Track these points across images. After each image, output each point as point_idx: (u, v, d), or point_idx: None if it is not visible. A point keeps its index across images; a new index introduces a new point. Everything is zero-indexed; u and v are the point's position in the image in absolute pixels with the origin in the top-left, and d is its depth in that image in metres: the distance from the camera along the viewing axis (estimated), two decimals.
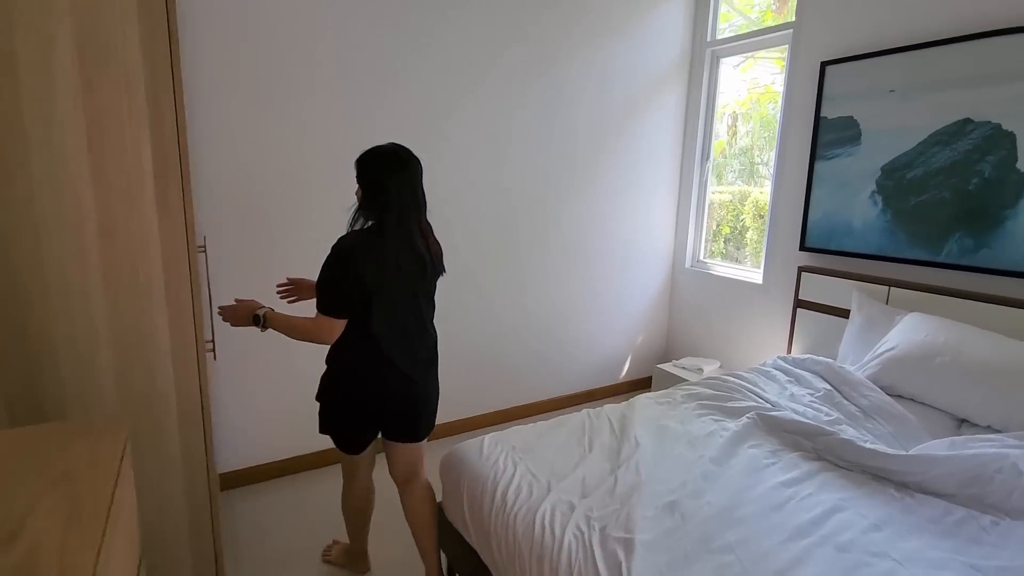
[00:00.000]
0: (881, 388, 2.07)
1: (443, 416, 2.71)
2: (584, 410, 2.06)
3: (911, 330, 2.13)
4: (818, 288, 2.71)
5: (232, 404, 2.36)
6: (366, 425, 1.68)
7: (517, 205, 2.94)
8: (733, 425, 1.92)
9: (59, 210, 1.30)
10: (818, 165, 2.74)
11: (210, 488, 1.60)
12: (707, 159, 3.42)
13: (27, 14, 1.21)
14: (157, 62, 1.34)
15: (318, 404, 1.70)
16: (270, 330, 1.57)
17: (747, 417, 1.94)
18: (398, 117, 2.49)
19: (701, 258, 3.56)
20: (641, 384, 3.61)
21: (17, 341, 1.31)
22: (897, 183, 2.44)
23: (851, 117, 2.60)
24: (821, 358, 2.31)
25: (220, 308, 1.61)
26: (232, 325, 1.60)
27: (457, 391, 2.86)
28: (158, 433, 1.50)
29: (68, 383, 1.37)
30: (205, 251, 1.68)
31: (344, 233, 1.57)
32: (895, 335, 2.17)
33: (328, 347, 1.63)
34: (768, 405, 2.05)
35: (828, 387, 2.17)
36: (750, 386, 2.26)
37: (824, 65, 2.67)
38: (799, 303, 2.81)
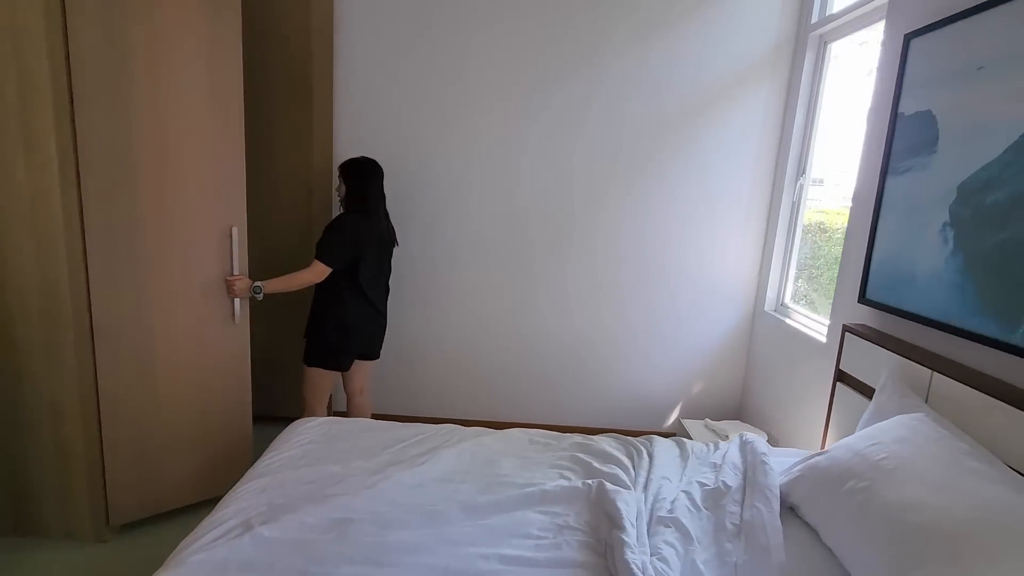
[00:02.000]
0: (790, 504, 1.39)
1: (463, 412, 2.95)
2: (449, 425, 1.98)
3: (879, 435, 1.34)
4: (864, 358, 1.86)
5: None
6: (353, 347, 2.32)
7: (561, 217, 2.81)
8: (563, 484, 1.59)
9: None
10: (890, 182, 1.88)
11: None
12: (802, 174, 2.62)
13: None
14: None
15: (305, 341, 2.29)
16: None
17: (589, 482, 1.58)
18: (433, 126, 2.75)
19: (786, 301, 2.74)
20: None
21: None
22: (975, 211, 1.52)
23: (928, 112, 1.71)
24: (763, 448, 1.64)
25: (227, 284, 2.10)
26: (238, 298, 2.11)
27: (484, 393, 2.96)
28: None
29: None
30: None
31: (339, 214, 2.28)
32: (856, 438, 1.40)
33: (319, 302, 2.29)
34: (627, 483, 1.60)
35: (737, 485, 1.55)
36: (646, 457, 1.79)
37: (908, 39, 1.82)
38: (840, 375, 1.98)
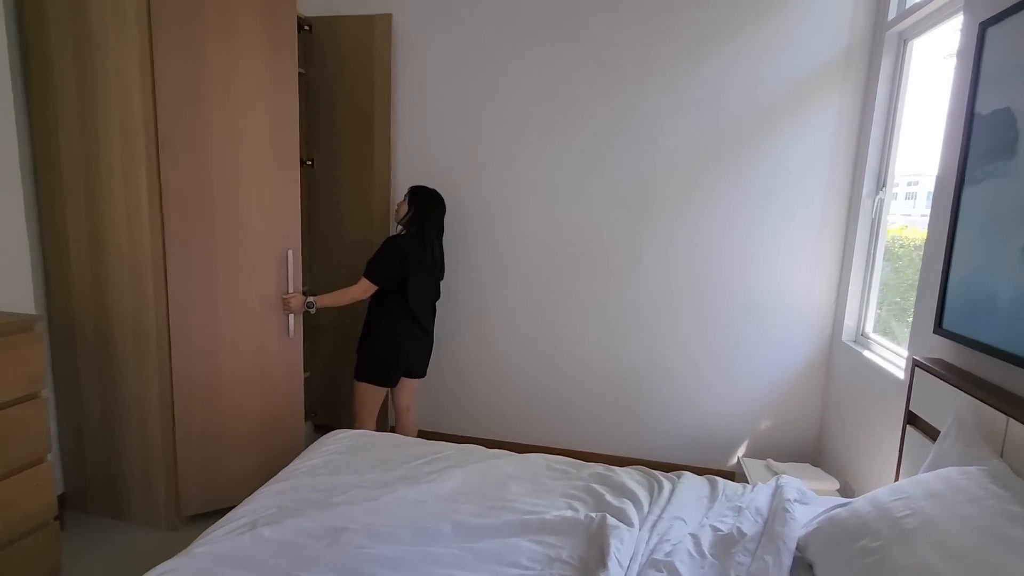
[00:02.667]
0: (807, 557, 1.20)
1: (511, 434, 2.97)
2: (471, 445, 1.99)
3: (911, 488, 1.13)
4: (935, 398, 1.59)
5: None
6: (400, 364, 2.44)
7: (616, 241, 2.73)
8: (566, 514, 1.53)
9: None
10: (967, 192, 1.61)
11: None
12: (882, 187, 2.32)
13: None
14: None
15: (356, 357, 2.44)
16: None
17: (592, 515, 1.51)
18: (486, 149, 2.85)
19: (866, 330, 2.41)
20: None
21: None
22: None
23: (1007, 110, 1.45)
24: (793, 494, 1.44)
25: (283, 302, 2.32)
26: (293, 313, 2.33)
27: (534, 417, 2.94)
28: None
29: None
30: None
31: (394, 234, 2.46)
32: (886, 490, 1.18)
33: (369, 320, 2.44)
34: (632, 520, 1.50)
35: (754, 533, 1.38)
36: (667, 494, 1.66)
37: (984, 27, 1.57)
38: (910, 417, 1.70)
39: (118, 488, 2.25)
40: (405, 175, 2.89)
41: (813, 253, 2.56)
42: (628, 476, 1.79)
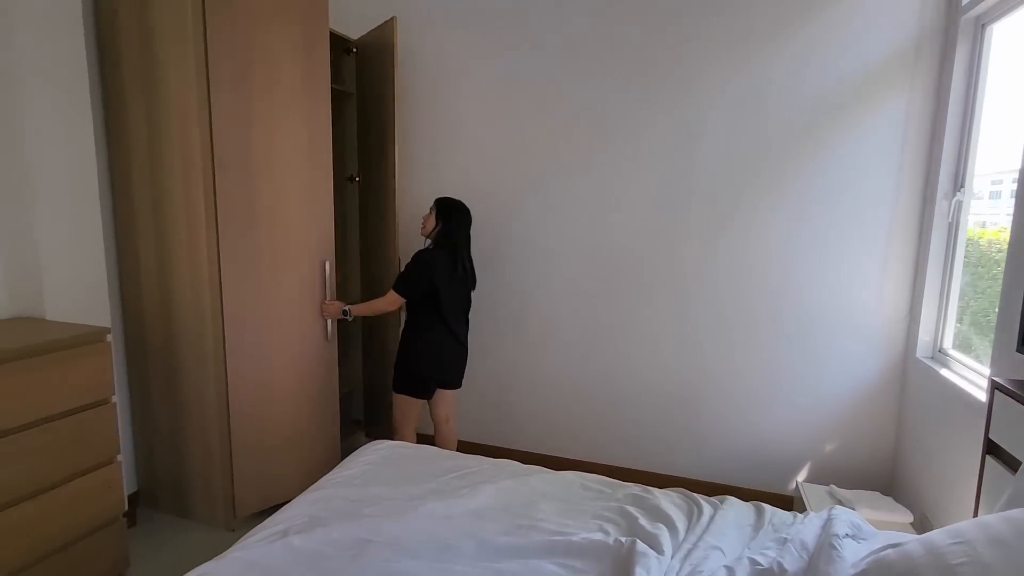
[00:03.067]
0: None
1: (555, 449, 2.94)
2: (506, 460, 1.96)
3: (972, 531, 0.98)
4: (1018, 425, 1.39)
5: None
6: (434, 376, 2.47)
7: (663, 251, 2.63)
8: (595, 537, 1.47)
9: None
10: None
11: None
12: (960, 187, 2.08)
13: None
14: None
15: (394, 369, 2.49)
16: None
17: (622, 539, 1.45)
18: (524, 157, 2.85)
19: (944, 346, 2.16)
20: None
21: None
22: None
23: None
24: (844, 528, 1.31)
25: (322, 307, 2.50)
26: (331, 318, 2.50)
27: (580, 432, 2.88)
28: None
29: None
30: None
31: (424, 248, 2.44)
32: (943, 532, 1.04)
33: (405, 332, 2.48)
34: (663, 548, 1.41)
35: (796, 570, 1.26)
36: (706, 520, 1.55)
37: None
38: (990, 446, 1.50)
39: (183, 488, 2.41)
40: (432, 186, 2.90)
41: (881, 260, 2.35)
42: (666, 499, 1.70)
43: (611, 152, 2.65)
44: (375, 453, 1.98)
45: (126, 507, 2.35)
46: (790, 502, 2.51)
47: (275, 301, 2.33)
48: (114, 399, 1.92)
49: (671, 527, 1.53)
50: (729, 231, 2.52)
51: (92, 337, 1.84)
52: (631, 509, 1.63)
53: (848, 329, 2.43)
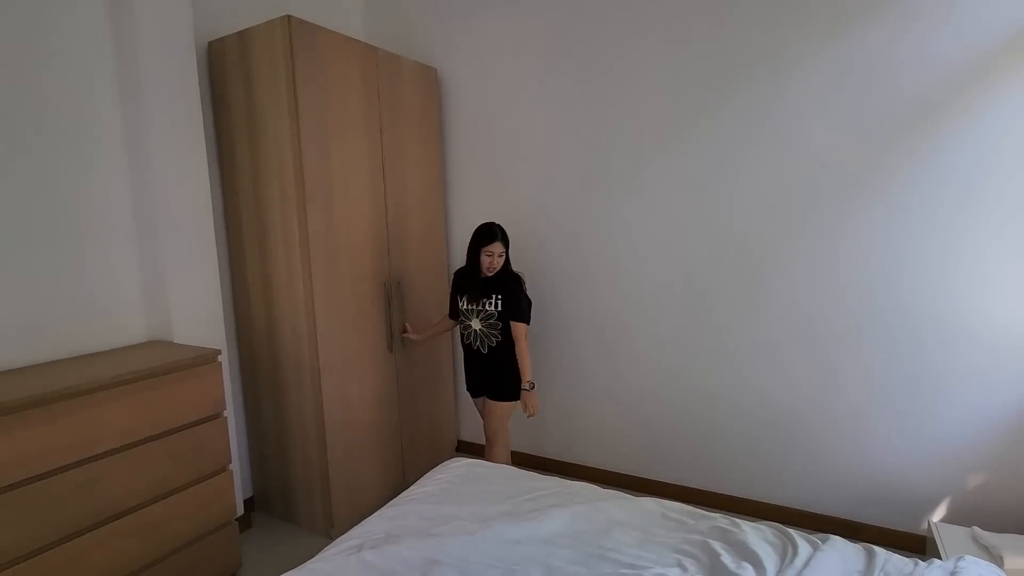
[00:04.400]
0: None
1: (638, 469, 2.86)
2: (583, 484, 1.89)
3: None
4: None
5: None
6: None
7: (761, 250, 2.42)
8: (670, 573, 1.37)
9: None
10: None
11: None
12: None
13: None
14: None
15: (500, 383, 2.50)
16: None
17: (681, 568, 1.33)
18: (598, 168, 2.78)
19: None
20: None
21: None
22: None
23: None
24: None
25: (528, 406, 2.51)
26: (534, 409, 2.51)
27: (665, 452, 2.74)
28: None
29: None
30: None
31: (516, 274, 2.50)
32: None
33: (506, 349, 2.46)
34: None
35: None
36: (802, 562, 1.37)
37: None
38: None
39: (290, 495, 2.61)
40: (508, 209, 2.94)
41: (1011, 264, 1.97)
42: (756, 534, 1.54)
43: (694, 157, 2.49)
44: (451, 471, 2.01)
45: (241, 511, 2.60)
46: (922, 544, 2.16)
47: (351, 320, 2.53)
48: (225, 413, 2.14)
49: (758, 567, 1.38)
50: (840, 233, 2.25)
51: (207, 358, 2.06)
52: (715, 544, 1.50)
53: (992, 342, 2.05)
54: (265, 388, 2.59)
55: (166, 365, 1.92)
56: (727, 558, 1.42)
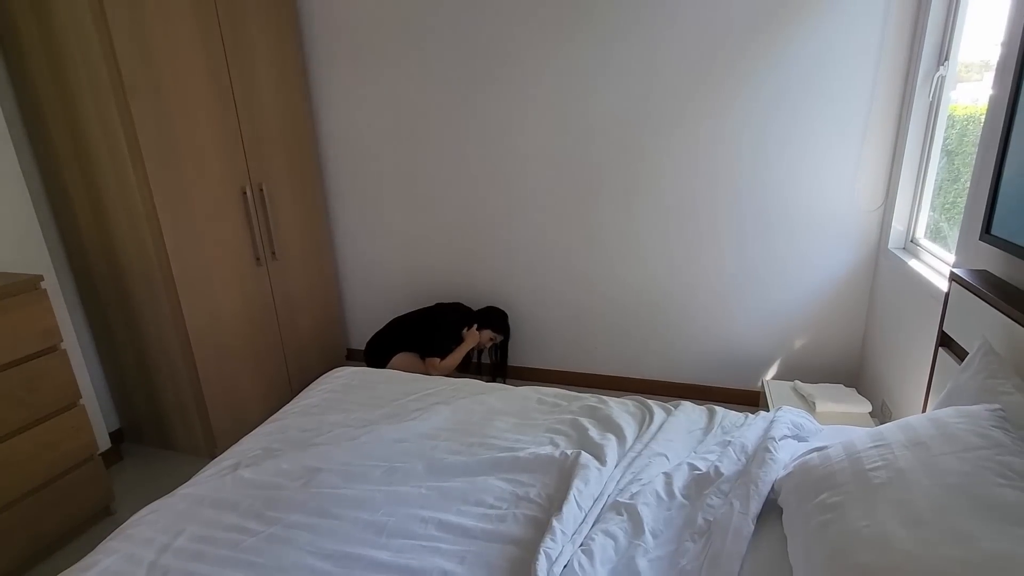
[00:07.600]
0: (778, 503, 1.09)
1: (528, 360, 2.98)
2: (465, 379, 1.97)
3: (894, 433, 0.96)
4: (971, 318, 1.34)
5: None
6: None
7: (625, 150, 2.47)
8: (542, 451, 1.49)
9: None
10: None
11: None
12: (944, 60, 1.89)
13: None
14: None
15: None
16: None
17: (568, 452, 1.46)
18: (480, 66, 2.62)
19: (917, 236, 2.08)
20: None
21: None
22: None
23: None
24: (783, 430, 1.30)
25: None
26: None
27: (552, 342, 2.89)
28: None
29: None
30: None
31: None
32: (866, 433, 1.02)
33: None
34: (607, 458, 1.42)
35: (732, 473, 1.27)
36: (656, 426, 1.56)
37: None
38: (943, 338, 1.46)
39: (162, 421, 2.46)
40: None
41: (857, 147, 2.20)
42: (620, 408, 1.71)
43: (571, 51, 2.41)
44: (335, 381, 1.98)
45: (108, 445, 2.42)
46: (756, 399, 2.56)
47: (206, 230, 2.30)
48: (63, 345, 1.90)
49: (620, 437, 1.54)
50: (694, 128, 2.35)
51: (25, 285, 1.77)
52: (584, 420, 1.64)
53: (821, 222, 2.33)
54: (114, 311, 2.31)
55: None
56: (593, 432, 1.57)
